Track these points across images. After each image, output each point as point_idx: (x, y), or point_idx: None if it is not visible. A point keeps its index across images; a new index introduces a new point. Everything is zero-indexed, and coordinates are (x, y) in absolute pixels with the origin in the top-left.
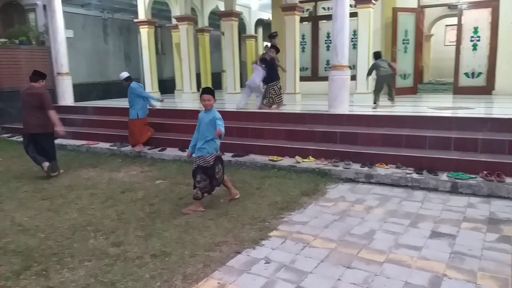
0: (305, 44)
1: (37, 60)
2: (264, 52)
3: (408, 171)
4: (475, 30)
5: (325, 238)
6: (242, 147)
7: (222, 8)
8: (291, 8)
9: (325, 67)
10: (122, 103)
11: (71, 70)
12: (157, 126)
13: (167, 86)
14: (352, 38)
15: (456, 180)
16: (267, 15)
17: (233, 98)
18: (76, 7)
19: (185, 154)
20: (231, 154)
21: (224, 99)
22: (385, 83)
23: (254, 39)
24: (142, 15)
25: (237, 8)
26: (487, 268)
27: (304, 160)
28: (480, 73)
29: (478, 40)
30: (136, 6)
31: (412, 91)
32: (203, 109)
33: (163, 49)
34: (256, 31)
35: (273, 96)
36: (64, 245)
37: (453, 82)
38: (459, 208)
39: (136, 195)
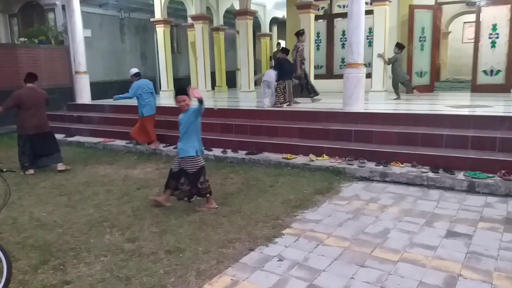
0: (320, 42)
1: (56, 59)
2: (277, 49)
3: (423, 170)
4: (494, 27)
5: (338, 236)
6: (256, 145)
7: (237, 6)
8: (306, 6)
9: (340, 65)
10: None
11: (89, 69)
12: (172, 124)
13: (182, 84)
14: (367, 36)
15: (473, 179)
16: (281, 13)
17: (247, 97)
18: (94, 7)
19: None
20: (244, 152)
21: (239, 98)
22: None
23: (269, 37)
24: (158, 14)
25: (252, 7)
26: (503, 268)
27: (318, 158)
28: (498, 71)
29: (497, 37)
30: (152, 5)
31: (428, 89)
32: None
33: (179, 48)
34: (270, 29)
35: (279, 95)
36: (81, 240)
37: (471, 80)
38: (476, 208)
39: (151, 192)
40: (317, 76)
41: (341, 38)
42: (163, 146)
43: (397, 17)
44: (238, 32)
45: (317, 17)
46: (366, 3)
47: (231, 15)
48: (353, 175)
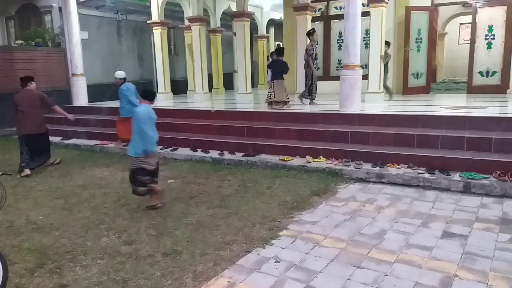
0: (317, 44)
1: (53, 61)
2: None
3: (420, 171)
4: (490, 28)
5: (335, 237)
6: (253, 147)
7: (234, 8)
8: (303, 8)
9: (337, 67)
10: None
11: (86, 71)
12: (169, 126)
13: (179, 86)
14: (364, 37)
15: (469, 180)
16: (278, 15)
17: (244, 99)
18: (90, 9)
19: (197, 154)
20: (241, 154)
21: (236, 99)
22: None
23: (266, 39)
24: (155, 16)
25: (249, 9)
26: (499, 268)
27: (315, 160)
28: (494, 72)
29: (493, 39)
30: (149, 7)
31: (425, 90)
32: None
33: (176, 50)
34: (268, 31)
35: (269, 93)
36: (78, 243)
37: (467, 81)
38: (472, 208)
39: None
40: None
41: (337, 40)
42: (160, 148)
43: (393, 19)
44: (235, 34)
45: (314, 19)
46: (363, 4)
47: (228, 17)
48: (349, 176)
